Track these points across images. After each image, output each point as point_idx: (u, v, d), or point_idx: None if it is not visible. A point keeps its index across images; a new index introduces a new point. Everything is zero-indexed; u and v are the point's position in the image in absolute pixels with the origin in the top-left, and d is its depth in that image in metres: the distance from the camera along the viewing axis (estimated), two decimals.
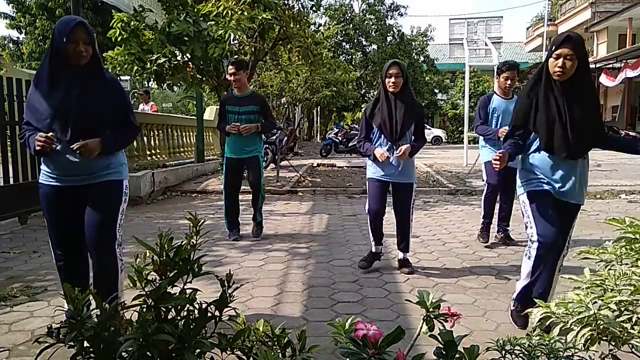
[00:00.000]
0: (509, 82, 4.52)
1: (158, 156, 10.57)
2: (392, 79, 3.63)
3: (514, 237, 4.86)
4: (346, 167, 12.60)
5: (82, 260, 2.68)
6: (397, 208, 3.91)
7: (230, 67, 4.97)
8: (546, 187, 2.67)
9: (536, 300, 1.54)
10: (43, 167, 2.56)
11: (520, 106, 2.73)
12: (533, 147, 2.72)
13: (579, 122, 2.54)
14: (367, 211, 3.91)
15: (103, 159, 2.53)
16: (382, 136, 3.74)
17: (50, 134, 2.33)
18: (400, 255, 3.96)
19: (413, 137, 3.81)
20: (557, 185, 2.64)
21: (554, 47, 2.55)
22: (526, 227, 2.74)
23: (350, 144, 17.84)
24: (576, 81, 2.56)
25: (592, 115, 2.62)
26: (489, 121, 4.61)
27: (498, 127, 4.54)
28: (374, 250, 4.01)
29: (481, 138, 4.79)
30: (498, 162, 2.63)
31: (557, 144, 2.58)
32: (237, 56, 5.24)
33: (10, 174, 5.76)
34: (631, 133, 19.23)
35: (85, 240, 2.54)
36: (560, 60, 2.51)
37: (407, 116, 3.66)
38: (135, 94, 15.01)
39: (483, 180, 4.80)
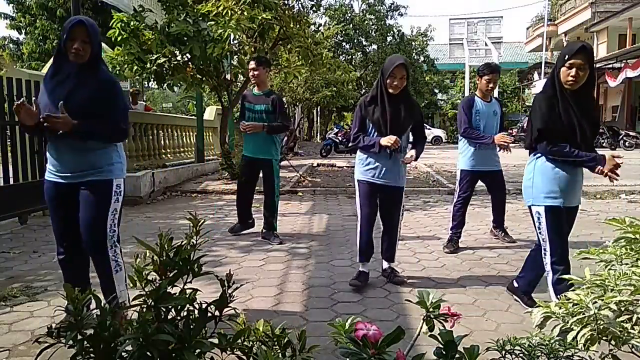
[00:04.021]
0: (490, 85, 4.43)
1: (158, 156, 10.57)
2: (396, 82, 3.32)
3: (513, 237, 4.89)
4: (346, 167, 12.60)
5: (83, 257, 2.73)
6: (386, 213, 3.64)
7: (251, 62, 4.89)
8: (560, 201, 2.69)
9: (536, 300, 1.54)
10: (48, 163, 2.66)
11: (547, 110, 2.66)
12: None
13: (591, 129, 2.64)
14: (359, 217, 3.58)
15: (90, 157, 2.54)
16: (378, 136, 3.42)
17: (22, 100, 2.48)
18: (385, 264, 3.68)
19: (412, 138, 3.61)
20: (570, 194, 2.71)
21: (566, 57, 2.54)
22: (538, 239, 2.81)
23: (350, 144, 17.86)
24: (584, 89, 2.62)
25: (597, 123, 2.75)
26: (473, 124, 4.47)
27: (482, 131, 4.45)
28: (362, 269, 3.61)
29: (462, 143, 4.60)
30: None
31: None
32: (256, 55, 5.15)
33: (11, 174, 5.76)
34: (631, 133, 19.25)
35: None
36: (574, 70, 2.53)
37: (408, 117, 3.44)
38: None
39: (455, 191, 4.68)
